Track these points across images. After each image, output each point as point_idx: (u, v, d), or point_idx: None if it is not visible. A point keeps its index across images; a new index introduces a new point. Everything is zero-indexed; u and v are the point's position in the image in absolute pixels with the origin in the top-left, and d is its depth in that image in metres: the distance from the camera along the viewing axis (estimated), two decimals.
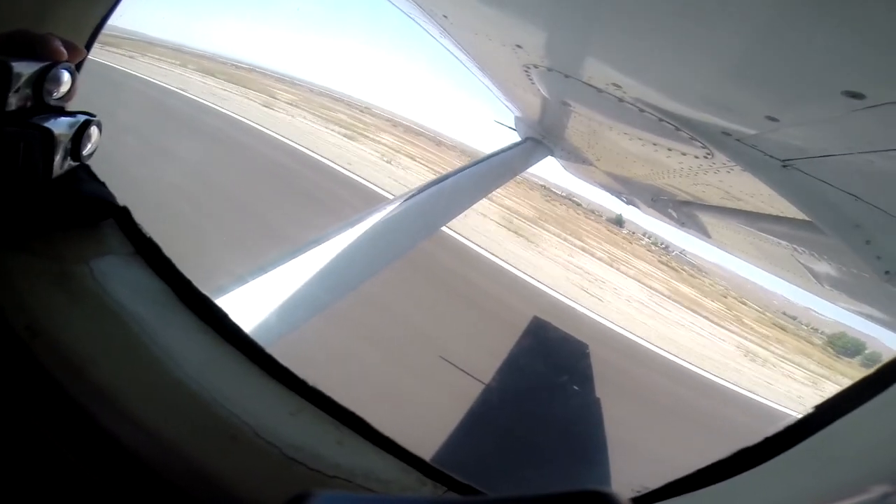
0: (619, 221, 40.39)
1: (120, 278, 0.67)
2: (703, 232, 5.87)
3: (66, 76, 0.61)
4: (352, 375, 5.81)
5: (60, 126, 0.60)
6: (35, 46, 0.58)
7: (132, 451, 0.58)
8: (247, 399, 0.63)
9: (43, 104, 0.60)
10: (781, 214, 3.02)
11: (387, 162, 24.14)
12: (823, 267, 3.37)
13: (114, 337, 0.62)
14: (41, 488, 0.60)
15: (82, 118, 0.64)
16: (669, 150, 2.79)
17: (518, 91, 3.95)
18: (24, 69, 0.56)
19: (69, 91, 0.62)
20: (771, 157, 1.88)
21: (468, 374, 6.98)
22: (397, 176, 21.19)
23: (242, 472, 0.58)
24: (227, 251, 6.72)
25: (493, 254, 14.62)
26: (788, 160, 1.83)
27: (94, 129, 0.66)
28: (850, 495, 0.43)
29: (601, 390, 8.24)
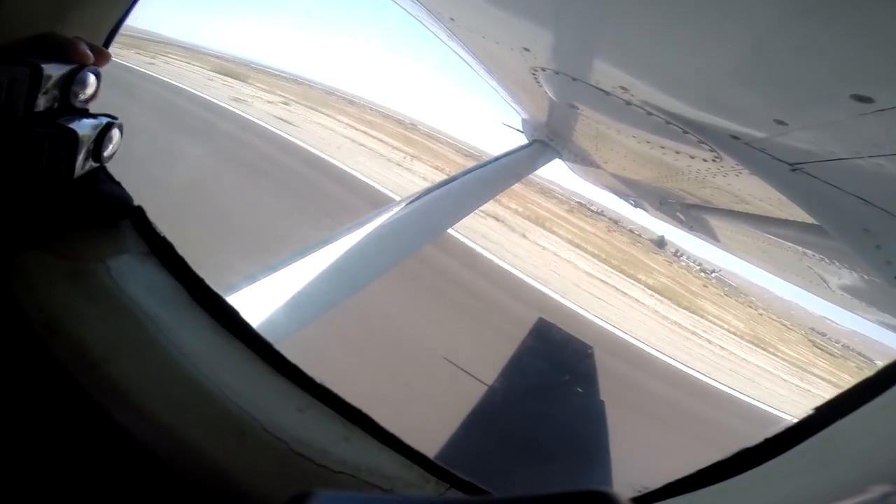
0: (660, 244, 35.70)
1: (135, 277, 0.68)
2: (712, 235, 5.83)
3: (91, 79, 0.63)
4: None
5: (84, 128, 0.62)
6: (63, 49, 0.60)
7: (145, 446, 0.59)
8: (256, 395, 0.64)
9: (69, 106, 0.62)
10: (790, 218, 3.00)
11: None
12: (833, 271, 3.33)
13: (128, 334, 0.64)
14: (57, 481, 0.62)
15: (105, 120, 0.66)
16: (677, 153, 2.78)
17: (526, 93, 3.95)
18: (53, 71, 0.58)
19: (94, 94, 0.64)
20: (780, 160, 1.87)
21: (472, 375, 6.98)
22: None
23: (251, 467, 0.59)
24: None
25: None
26: (797, 164, 1.82)
27: (115, 132, 0.68)
28: (850, 495, 0.43)
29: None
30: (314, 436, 0.63)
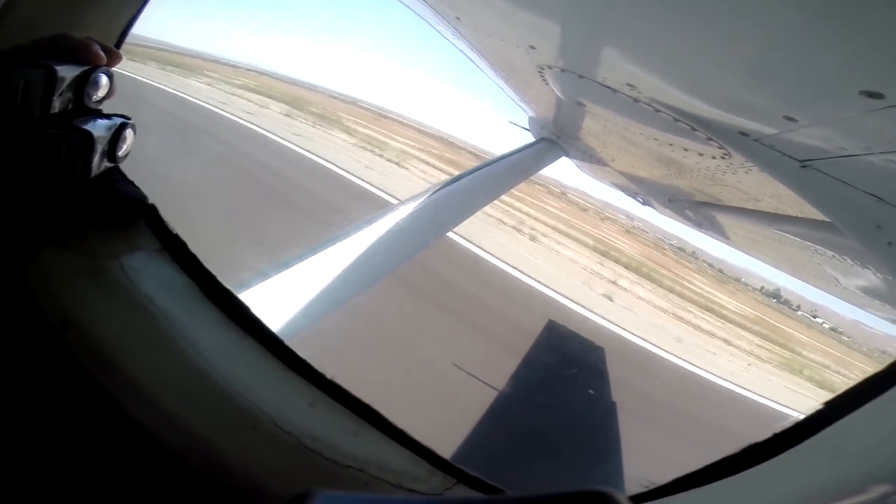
0: (776, 296, 31.16)
1: (148, 273, 0.70)
2: (721, 233, 5.78)
3: (104, 80, 0.64)
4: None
5: (99, 128, 0.63)
6: (75, 50, 0.61)
7: (157, 439, 0.60)
8: (267, 390, 0.65)
9: (83, 107, 0.63)
10: (801, 215, 2.97)
11: None
12: (844, 269, 3.29)
13: (142, 329, 0.65)
14: (71, 472, 0.63)
15: (119, 121, 0.67)
16: (685, 150, 2.76)
17: (532, 92, 3.95)
18: (67, 73, 0.59)
19: (107, 94, 0.66)
20: (789, 157, 1.86)
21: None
22: None
23: (261, 461, 0.60)
24: None
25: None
26: (807, 160, 1.80)
27: (129, 132, 0.69)
28: (852, 494, 0.43)
29: None
30: (324, 430, 0.63)
